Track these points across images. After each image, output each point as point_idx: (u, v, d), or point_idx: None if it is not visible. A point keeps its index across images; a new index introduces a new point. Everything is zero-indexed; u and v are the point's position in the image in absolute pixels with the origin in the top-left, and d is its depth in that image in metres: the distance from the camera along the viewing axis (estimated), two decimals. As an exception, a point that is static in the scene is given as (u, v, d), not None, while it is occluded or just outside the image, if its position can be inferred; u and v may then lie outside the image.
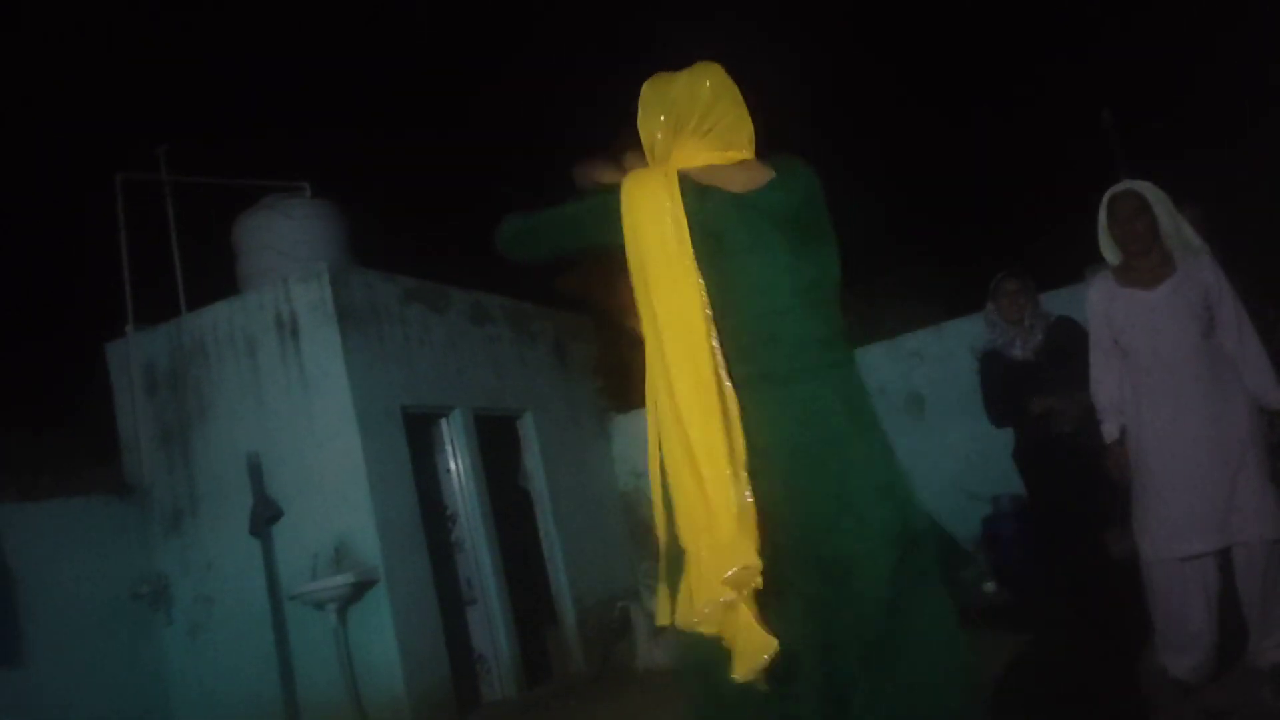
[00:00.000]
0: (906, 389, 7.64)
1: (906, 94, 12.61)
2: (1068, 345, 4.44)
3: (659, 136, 2.18)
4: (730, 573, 1.80)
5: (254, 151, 7.86)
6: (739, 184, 2.08)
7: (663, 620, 2.01)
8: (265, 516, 6.28)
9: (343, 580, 5.93)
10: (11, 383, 7.39)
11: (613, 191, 2.10)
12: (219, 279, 7.08)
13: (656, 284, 1.99)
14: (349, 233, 7.32)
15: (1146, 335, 3.63)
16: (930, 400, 7.58)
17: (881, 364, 7.62)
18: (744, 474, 1.86)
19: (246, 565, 6.31)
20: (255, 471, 6.34)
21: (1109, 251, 3.80)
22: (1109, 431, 3.74)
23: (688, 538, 1.89)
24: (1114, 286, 3.73)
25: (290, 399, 6.39)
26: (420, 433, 6.89)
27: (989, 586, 6.39)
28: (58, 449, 6.51)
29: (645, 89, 2.22)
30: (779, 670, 1.81)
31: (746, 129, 2.17)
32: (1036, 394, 4.50)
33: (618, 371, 9.22)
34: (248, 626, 6.26)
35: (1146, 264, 3.67)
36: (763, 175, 2.10)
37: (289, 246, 6.93)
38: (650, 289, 2.00)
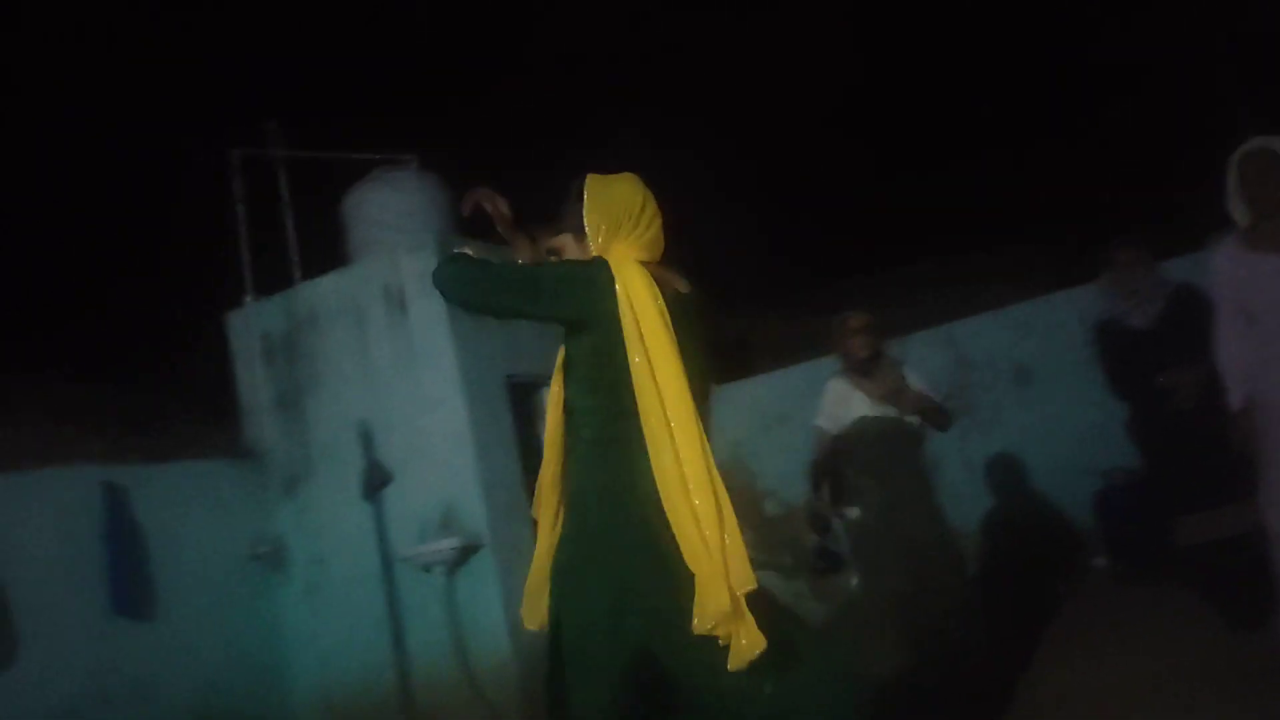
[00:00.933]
0: (1013, 360, 7.44)
1: (1015, 55, 12.18)
2: (1189, 313, 4.27)
3: (603, 229, 2.44)
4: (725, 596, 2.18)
5: (364, 125, 8.04)
6: (678, 285, 2.47)
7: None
8: (375, 482, 6.48)
9: (449, 544, 6.10)
10: (141, 351, 7.76)
11: (596, 268, 2.35)
12: (331, 250, 7.29)
13: (658, 354, 2.24)
14: (455, 204, 7.44)
15: (1276, 301, 3.47)
16: (1039, 372, 7.36)
17: (987, 335, 7.43)
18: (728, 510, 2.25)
19: (358, 528, 6.52)
20: (365, 438, 6.55)
21: (1239, 213, 3.63)
22: (1235, 400, 3.60)
23: (691, 557, 2.22)
24: (1242, 250, 3.58)
25: (398, 368, 6.56)
26: (523, 401, 7.00)
27: (1099, 562, 6.22)
28: (183, 414, 6.83)
29: (589, 185, 2.50)
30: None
31: (662, 239, 2.48)
32: (1157, 363, 4.35)
33: (717, 342, 9.20)
34: (360, 587, 6.49)
35: (1277, 226, 3.50)
36: (683, 281, 2.50)
37: (396, 219, 7.09)
38: (652, 358, 2.24)
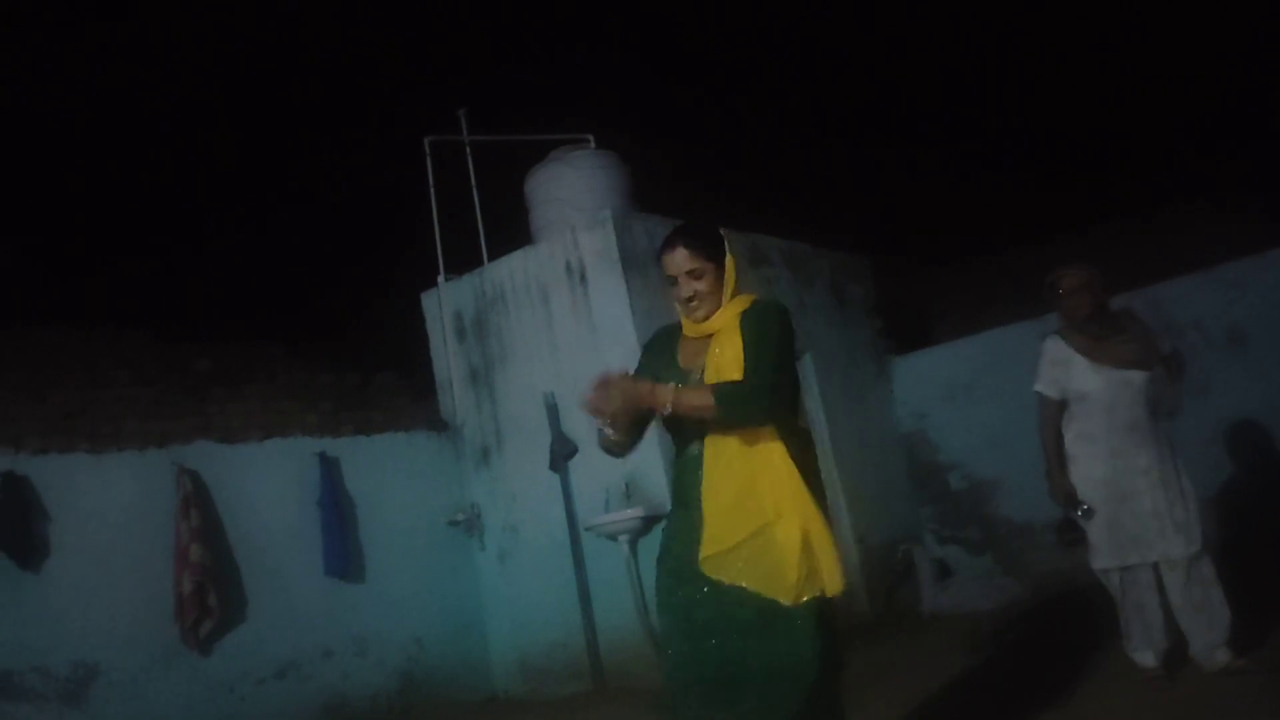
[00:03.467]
0: (1226, 322, 6.95)
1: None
2: None
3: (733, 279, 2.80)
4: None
5: (544, 107, 8.27)
6: None
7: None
8: (562, 453, 6.73)
9: (633, 514, 6.26)
10: (346, 331, 8.30)
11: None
12: (516, 230, 7.57)
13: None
14: (631, 181, 7.57)
15: None
16: (1254, 334, 6.85)
17: (1197, 296, 6.97)
18: None
19: (546, 497, 6.79)
20: (552, 411, 6.80)
21: None
22: None
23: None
24: None
25: (581, 341, 6.77)
26: (702, 374, 7.07)
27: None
28: (387, 389, 7.26)
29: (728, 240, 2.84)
30: None
31: None
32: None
33: (898, 312, 9.00)
34: (549, 554, 6.77)
35: None
36: None
37: (575, 197, 7.28)
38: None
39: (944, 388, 8.37)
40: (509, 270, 7.20)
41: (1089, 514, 4.15)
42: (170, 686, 5.49)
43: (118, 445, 5.69)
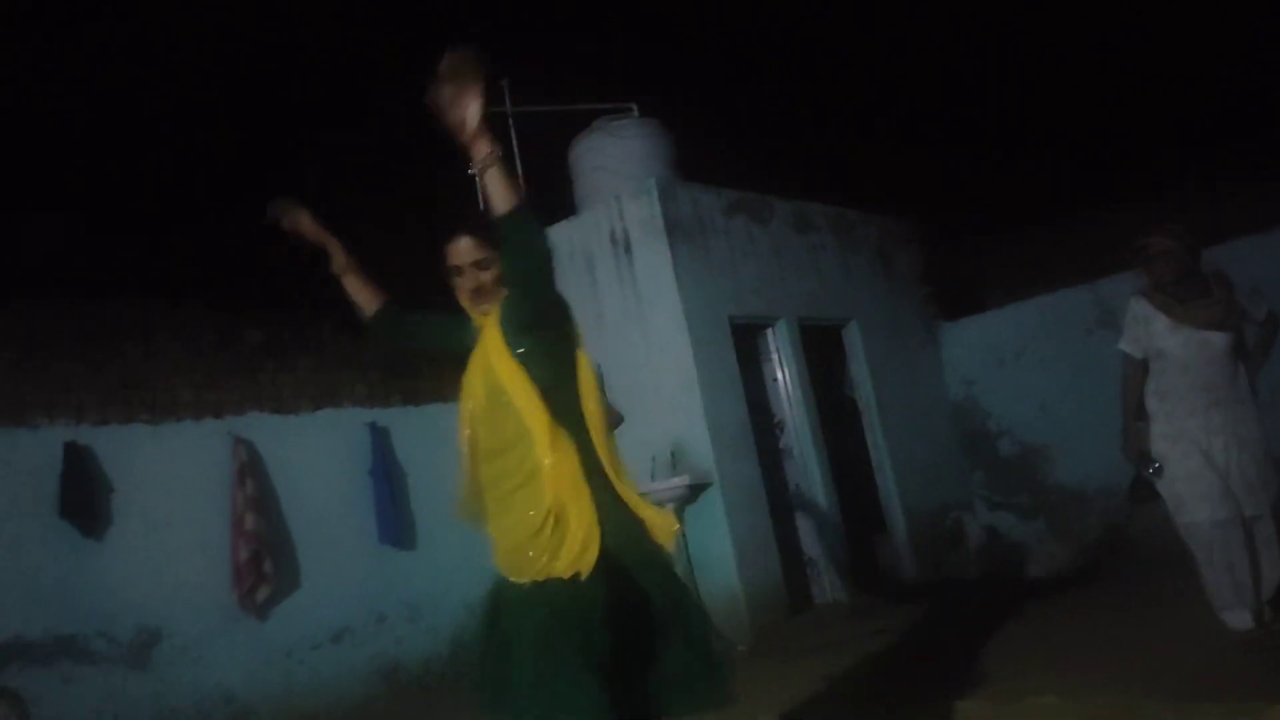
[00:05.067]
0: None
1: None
2: None
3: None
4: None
5: (587, 77, 8.24)
6: None
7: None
8: (609, 422, 6.73)
9: (679, 482, 6.29)
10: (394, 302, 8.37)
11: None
12: (560, 200, 7.58)
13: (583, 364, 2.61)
14: (674, 149, 7.54)
15: None
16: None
17: (1253, 258, 6.78)
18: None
19: (593, 466, 6.82)
20: (598, 379, 6.81)
21: None
22: None
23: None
24: None
25: (625, 311, 6.78)
26: (747, 342, 7.07)
27: None
28: (432, 359, 7.32)
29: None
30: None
31: None
32: None
33: (946, 278, 8.90)
34: (596, 521, 6.80)
35: None
36: None
37: (619, 165, 7.27)
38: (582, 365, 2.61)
39: (994, 354, 8.28)
40: (554, 240, 7.18)
41: (1159, 472, 4.18)
42: (230, 650, 5.64)
43: (174, 416, 5.82)
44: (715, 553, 6.31)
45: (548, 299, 2.48)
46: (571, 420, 2.48)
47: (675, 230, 6.64)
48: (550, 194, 7.65)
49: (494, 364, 2.47)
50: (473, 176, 2.55)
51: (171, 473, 5.72)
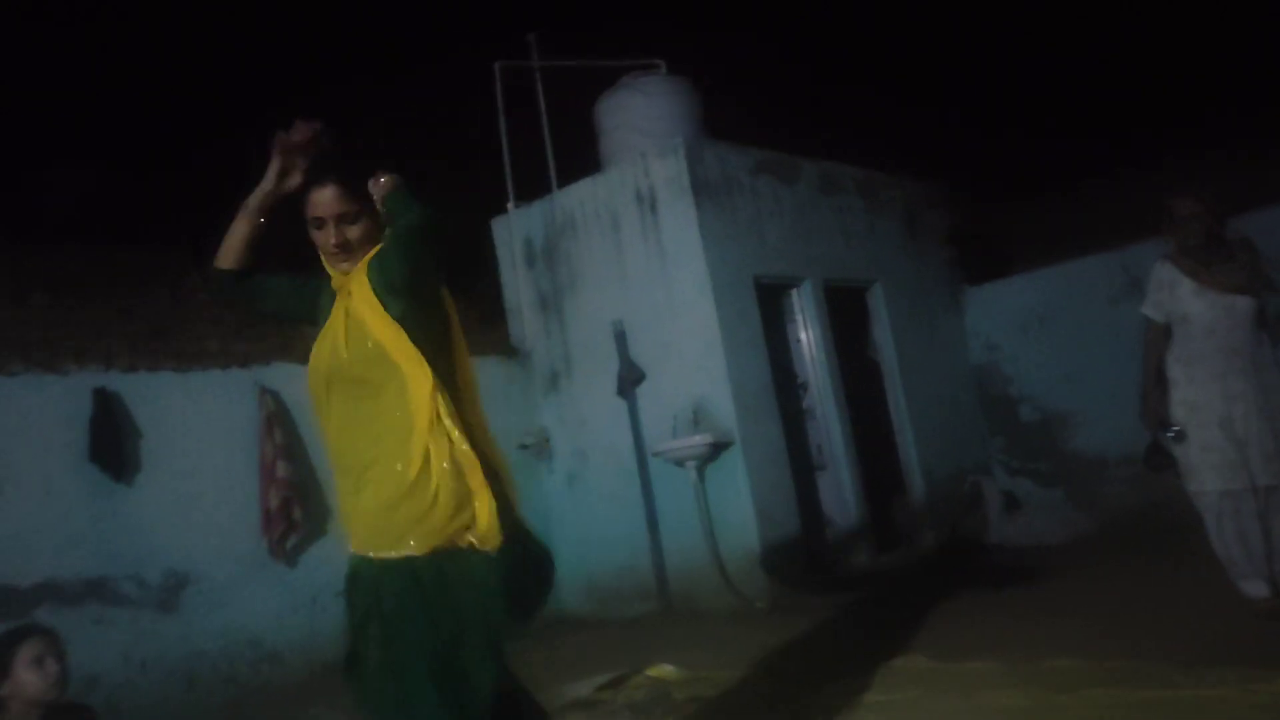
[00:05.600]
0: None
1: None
2: None
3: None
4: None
5: (614, 33, 8.17)
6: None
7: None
8: (630, 379, 6.79)
9: (700, 440, 6.32)
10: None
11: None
12: (586, 157, 7.55)
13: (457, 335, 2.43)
14: (702, 107, 7.48)
15: None
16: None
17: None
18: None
19: (614, 423, 6.88)
20: (620, 338, 6.84)
21: None
22: None
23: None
24: None
25: (650, 269, 6.78)
26: (771, 303, 7.06)
27: None
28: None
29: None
30: None
31: None
32: None
33: (972, 242, 8.83)
34: (617, 478, 6.88)
35: None
36: None
37: (646, 123, 7.23)
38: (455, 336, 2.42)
39: (1018, 319, 8.24)
40: (579, 197, 7.20)
41: (1179, 437, 4.16)
42: (257, 595, 5.74)
43: (201, 365, 5.88)
44: (735, 511, 6.35)
45: (427, 264, 2.31)
46: (450, 393, 2.29)
47: (701, 189, 6.62)
48: (577, 151, 7.62)
49: (368, 323, 2.26)
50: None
51: (199, 420, 5.79)
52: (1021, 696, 3.47)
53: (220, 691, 5.48)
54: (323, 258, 2.39)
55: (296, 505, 5.80)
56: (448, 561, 2.21)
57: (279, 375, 6.12)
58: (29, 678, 2.69)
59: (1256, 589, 4.09)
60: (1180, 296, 4.18)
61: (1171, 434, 4.18)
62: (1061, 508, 7.69)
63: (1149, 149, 8.88)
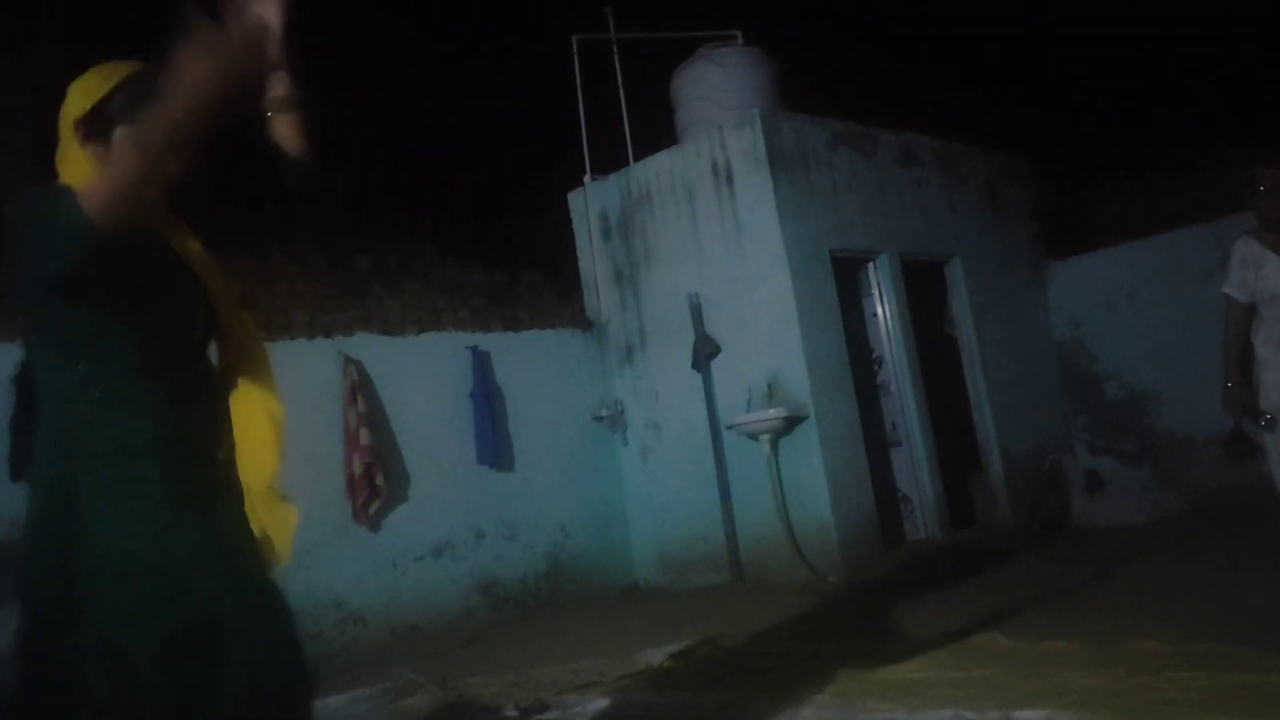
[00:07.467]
0: None
1: None
2: None
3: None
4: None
5: (691, 4, 8.12)
6: None
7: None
8: (705, 353, 6.80)
9: (775, 414, 6.31)
10: (496, 231, 8.51)
11: None
12: (662, 130, 7.54)
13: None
14: (778, 79, 7.42)
15: None
16: None
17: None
18: None
19: (689, 396, 6.91)
20: (695, 311, 6.85)
21: None
22: None
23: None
24: None
25: (725, 242, 6.76)
26: (847, 276, 7.00)
27: None
28: (533, 287, 7.45)
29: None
30: None
31: None
32: None
33: (1056, 217, 8.61)
34: (690, 451, 6.91)
35: None
36: None
37: (722, 95, 7.19)
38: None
39: (1105, 295, 8.04)
40: (654, 170, 7.21)
41: (1271, 425, 3.93)
42: (341, 558, 5.92)
43: (290, 335, 6.05)
44: (809, 485, 6.34)
45: None
46: None
47: (777, 162, 6.57)
48: (653, 123, 7.62)
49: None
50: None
51: (286, 388, 5.92)
52: (1103, 678, 3.41)
53: (306, 649, 5.66)
54: None
55: (379, 472, 5.95)
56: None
57: (361, 345, 6.27)
58: None
59: None
60: (1267, 274, 3.97)
61: (1263, 422, 3.94)
62: (1147, 488, 7.51)
63: (1243, 124, 8.55)
